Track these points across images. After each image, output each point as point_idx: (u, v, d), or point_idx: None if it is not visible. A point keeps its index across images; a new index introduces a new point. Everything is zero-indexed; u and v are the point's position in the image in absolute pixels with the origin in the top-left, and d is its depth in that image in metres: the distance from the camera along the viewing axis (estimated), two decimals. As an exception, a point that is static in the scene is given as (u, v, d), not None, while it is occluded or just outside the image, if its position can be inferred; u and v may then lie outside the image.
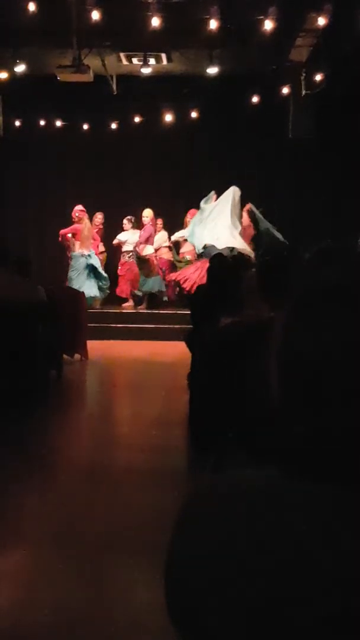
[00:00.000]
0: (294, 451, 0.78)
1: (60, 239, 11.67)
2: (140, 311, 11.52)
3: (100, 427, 6.23)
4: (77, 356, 8.98)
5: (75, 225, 11.48)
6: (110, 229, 12.19)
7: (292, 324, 0.81)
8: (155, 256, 11.90)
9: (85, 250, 11.42)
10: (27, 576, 3.29)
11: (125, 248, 11.99)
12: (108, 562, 3.39)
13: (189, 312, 5.88)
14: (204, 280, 6.27)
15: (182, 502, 0.84)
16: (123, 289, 12.01)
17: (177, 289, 11.71)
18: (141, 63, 10.35)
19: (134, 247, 11.84)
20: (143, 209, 11.83)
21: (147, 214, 11.75)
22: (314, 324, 0.78)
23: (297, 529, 0.73)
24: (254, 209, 10.88)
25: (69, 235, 11.54)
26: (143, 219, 11.82)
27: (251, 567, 0.73)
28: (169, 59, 10.60)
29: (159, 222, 12.15)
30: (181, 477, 4.55)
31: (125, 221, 11.98)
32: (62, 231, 11.61)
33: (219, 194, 11.13)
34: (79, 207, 11.51)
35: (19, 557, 3.47)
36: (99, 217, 12.22)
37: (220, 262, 5.46)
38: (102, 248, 12.22)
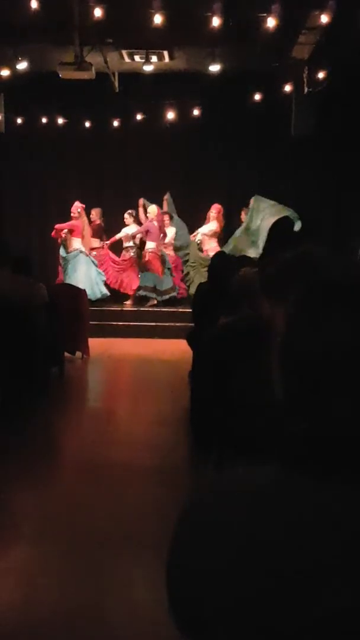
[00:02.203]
0: (295, 447, 0.78)
1: (54, 233, 11.52)
2: (142, 309, 11.47)
3: (102, 424, 6.24)
4: (78, 354, 8.98)
5: (72, 222, 11.39)
6: (112, 226, 12.15)
7: (294, 322, 0.82)
8: (159, 253, 11.71)
9: (84, 246, 11.38)
10: (28, 573, 3.30)
11: (126, 244, 11.95)
12: (109, 559, 3.40)
13: (190, 310, 5.89)
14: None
15: (184, 499, 0.84)
16: (125, 285, 11.93)
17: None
18: (143, 60, 10.32)
19: (133, 240, 11.76)
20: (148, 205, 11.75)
21: (152, 210, 11.62)
22: (316, 322, 0.79)
23: (299, 525, 0.73)
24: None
25: (65, 231, 11.45)
26: (148, 214, 11.65)
27: (253, 562, 0.73)
28: (171, 57, 10.56)
29: (166, 217, 12.01)
30: (183, 474, 4.56)
31: (126, 215, 11.89)
32: (58, 226, 11.48)
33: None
34: (78, 203, 11.46)
35: (19, 554, 3.47)
36: (93, 213, 12.02)
37: (221, 260, 5.45)
38: (96, 244, 11.95)
